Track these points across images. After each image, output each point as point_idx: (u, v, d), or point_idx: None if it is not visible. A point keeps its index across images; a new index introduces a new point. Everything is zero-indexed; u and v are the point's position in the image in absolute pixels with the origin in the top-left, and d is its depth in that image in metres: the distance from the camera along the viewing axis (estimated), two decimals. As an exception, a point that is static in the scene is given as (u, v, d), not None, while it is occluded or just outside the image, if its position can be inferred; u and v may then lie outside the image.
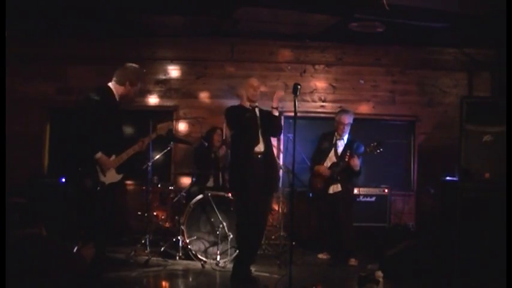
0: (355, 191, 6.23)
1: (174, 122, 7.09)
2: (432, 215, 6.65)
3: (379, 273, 4.65)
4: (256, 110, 4.82)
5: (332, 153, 5.87)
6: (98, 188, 4.19)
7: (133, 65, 4.59)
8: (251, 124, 4.73)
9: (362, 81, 7.30)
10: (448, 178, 5.73)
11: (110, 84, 4.41)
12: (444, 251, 5.18)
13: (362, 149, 5.80)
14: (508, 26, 4.87)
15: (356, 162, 5.63)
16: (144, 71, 4.88)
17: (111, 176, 4.32)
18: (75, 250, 4.18)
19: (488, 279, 4.78)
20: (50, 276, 2.61)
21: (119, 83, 4.42)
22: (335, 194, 5.74)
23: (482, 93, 7.23)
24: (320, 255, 5.96)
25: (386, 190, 6.56)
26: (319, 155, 5.97)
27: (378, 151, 5.66)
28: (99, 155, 4.18)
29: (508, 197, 4.54)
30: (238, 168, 4.75)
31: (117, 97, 4.41)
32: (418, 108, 7.32)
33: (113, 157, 4.34)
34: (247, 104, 4.81)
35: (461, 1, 5.41)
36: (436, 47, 7.29)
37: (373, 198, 6.44)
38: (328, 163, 5.85)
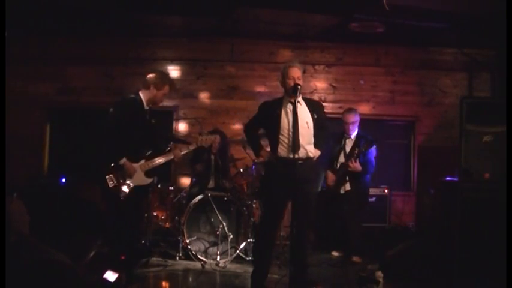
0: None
1: (174, 122, 7.09)
2: (432, 215, 6.64)
3: (379, 273, 4.65)
4: (297, 104, 4.18)
5: (342, 153, 5.88)
6: (125, 189, 4.42)
7: (160, 70, 4.83)
8: (277, 124, 4.20)
9: (362, 82, 7.30)
10: (448, 178, 5.73)
11: (140, 92, 4.55)
12: (444, 251, 5.18)
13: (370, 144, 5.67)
14: (508, 26, 4.86)
15: (354, 165, 5.62)
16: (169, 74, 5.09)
17: (139, 179, 4.52)
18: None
19: (488, 279, 4.78)
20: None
21: (144, 87, 4.56)
22: (345, 193, 5.78)
23: (482, 93, 7.22)
24: (333, 253, 6.05)
25: (386, 190, 6.57)
26: (333, 155, 5.96)
27: (363, 150, 5.59)
28: (123, 160, 4.42)
29: (508, 197, 4.53)
30: (267, 175, 4.45)
31: (145, 103, 4.55)
32: (418, 109, 7.33)
33: (142, 162, 4.57)
34: (286, 99, 4.29)
35: (462, 1, 5.41)
36: (436, 47, 7.29)
37: (373, 198, 6.44)
38: (338, 164, 5.87)
